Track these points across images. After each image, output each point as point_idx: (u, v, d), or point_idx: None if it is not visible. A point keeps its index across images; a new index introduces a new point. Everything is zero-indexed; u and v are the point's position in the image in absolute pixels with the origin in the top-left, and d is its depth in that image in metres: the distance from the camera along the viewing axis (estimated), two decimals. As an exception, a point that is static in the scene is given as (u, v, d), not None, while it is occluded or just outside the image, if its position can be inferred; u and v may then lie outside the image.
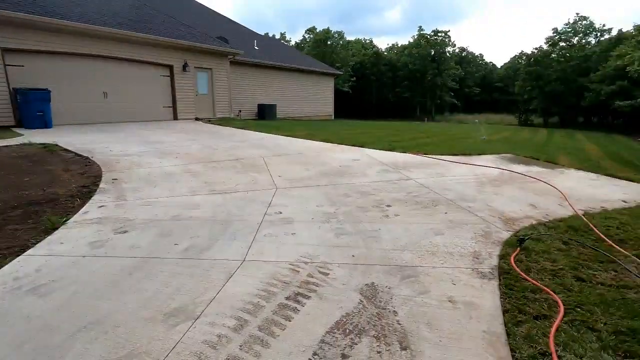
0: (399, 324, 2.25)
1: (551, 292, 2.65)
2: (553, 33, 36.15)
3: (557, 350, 2.04)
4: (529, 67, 35.52)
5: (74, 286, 2.60)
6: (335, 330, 2.16)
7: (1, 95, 10.45)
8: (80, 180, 5.29)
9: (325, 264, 3.00)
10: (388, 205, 4.54)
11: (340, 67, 35.89)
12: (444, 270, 2.95)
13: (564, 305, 2.50)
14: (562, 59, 33.52)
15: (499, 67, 60.87)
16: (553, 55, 34.93)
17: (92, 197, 4.61)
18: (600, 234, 3.85)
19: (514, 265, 3.06)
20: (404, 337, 2.13)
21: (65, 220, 3.81)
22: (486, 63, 61.74)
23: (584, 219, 4.28)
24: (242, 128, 12.26)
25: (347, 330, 2.17)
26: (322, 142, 9.58)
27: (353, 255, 3.16)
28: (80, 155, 6.91)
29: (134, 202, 4.48)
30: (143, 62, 12.86)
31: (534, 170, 7.29)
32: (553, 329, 2.20)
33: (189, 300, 2.45)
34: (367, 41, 50.96)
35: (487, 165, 7.41)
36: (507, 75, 52.84)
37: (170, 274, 2.79)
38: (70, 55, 11.68)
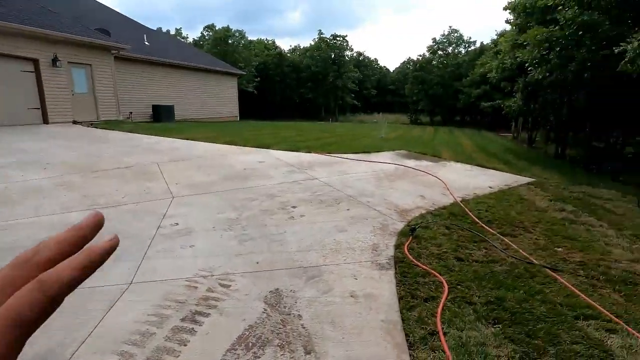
0: (304, 327, 2.22)
1: (437, 275, 2.95)
2: (432, 42, 41.37)
3: (443, 328, 2.26)
4: (415, 72, 39.92)
5: None
6: (237, 347, 2.03)
7: None
8: None
9: (227, 275, 2.82)
10: (293, 207, 4.53)
11: (243, 67, 35.02)
12: (347, 267, 3.05)
13: (448, 285, 2.80)
14: (441, 66, 38.54)
15: (392, 71, 67.05)
16: (434, 62, 39.90)
17: None
18: (474, 217, 4.46)
19: (407, 253, 3.32)
20: (309, 341, 2.11)
21: None
22: (381, 67, 67.32)
23: (462, 205, 4.92)
24: (133, 132, 10.98)
25: (250, 344, 2.05)
26: (225, 145, 9.16)
27: (257, 262, 3.04)
28: None
29: (-19, 227, 3.59)
30: (-5, 53, 10.52)
31: (423, 164, 8.15)
32: (439, 309, 2.44)
33: (58, 340, 2.03)
34: (270, 42, 50.88)
35: (384, 161, 8.02)
36: (398, 79, 58.49)
37: (31, 312, 2.29)
38: None
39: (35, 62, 11.62)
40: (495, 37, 29.06)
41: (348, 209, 4.55)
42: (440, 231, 3.97)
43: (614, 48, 6.09)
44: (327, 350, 2.04)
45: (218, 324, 2.22)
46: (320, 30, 52.45)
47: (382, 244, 3.56)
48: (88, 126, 12.10)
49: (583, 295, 2.74)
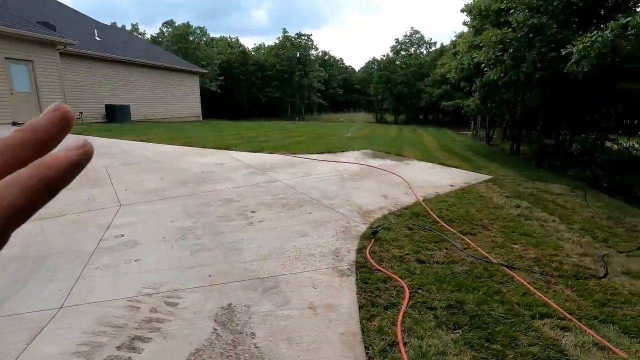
0: (257, 347, 2.06)
1: (399, 279, 2.88)
2: (395, 43, 42.31)
3: (403, 338, 2.18)
4: (380, 71, 40.59)
5: None
6: (180, 375, 1.83)
7: None
8: None
9: (174, 291, 2.58)
10: (253, 212, 4.33)
11: (205, 66, 33.95)
12: (306, 275, 2.91)
13: (409, 289, 2.74)
14: (404, 66, 39.47)
15: (357, 70, 67.86)
16: (397, 62, 40.79)
17: None
18: (436, 217, 4.48)
19: (369, 257, 3.24)
20: (261, 362, 1.95)
21: None
22: (346, 66, 67.87)
23: (424, 204, 4.94)
24: (82, 134, 10.21)
25: (195, 371, 1.86)
26: (183, 147, 8.73)
27: (210, 275, 2.82)
28: None
29: None
30: None
31: (387, 163, 8.20)
32: (400, 317, 2.36)
33: (-38, 384, 1.73)
34: (234, 40, 49.74)
35: (349, 161, 7.97)
36: (364, 78, 59.25)
37: None
38: None
39: (-35, 57, 10.51)
40: (454, 39, 30.14)
41: (310, 212, 4.42)
42: (403, 232, 3.93)
43: (561, 50, 6.42)
44: (281, 371, 1.89)
45: (160, 349, 2.00)
46: (284, 29, 52.06)
47: (344, 248, 3.45)
48: (31, 128, 11.11)
49: (538, 293, 2.78)
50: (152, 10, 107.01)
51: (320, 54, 54.73)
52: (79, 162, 0.21)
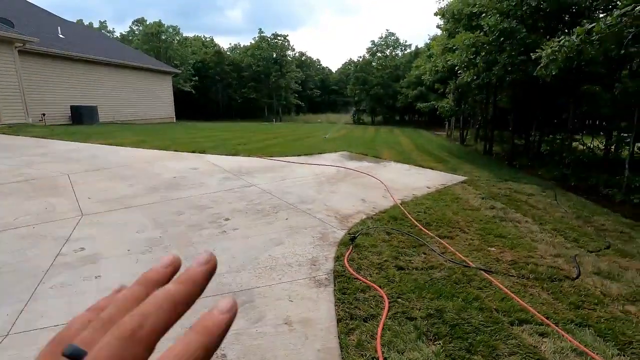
0: (228, 371, 1.91)
1: (378, 288, 2.80)
2: (371, 44, 42.78)
3: (383, 352, 2.09)
4: (356, 72, 40.93)
5: None
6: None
7: None
8: None
9: (139, 311, 2.39)
10: (227, 219, 4.15)
11: (179, 65, 33.08)
12: (282, 287, 2.78)
13: (388, 298, 2.66)
14: (380, 67, 39.97)
15: (334, 71, 68.15)
16: (373, 63, 41.25)
17: None
18: (414, 220, 4.45)
19: (347, 265, 3.14)
20: (232, 388, 1.80)
21: None
22: (323, 67, 68.09)
23: (402, 207, 4.91)
24: (44, 137, 9.62)
25: (159, 403, 1.69)
26: (155, 150, 8.38)
27: (178, 291, 2.64)
28: None
29: None
30: None
31: (365, 165, 8.17)
32: (379, 330, 2.27)
33: None
34: (208, 39, 48.74)
35: (326, 164, 7.88)
36: (341, 79, 59.62)
37: None
38: None
39: None
40: (428, 41, 30.77)
41: (287, 219, 4.28)
42: (381, 237, 3.87)
43: (530, 54, 6.60)
44: (254, 397, 1.76)
45: (119, 379, 1.82)
46: (260, 29, 51.59)
47: (322, 256, 3.34)
48: (-14, 131, 10.38)
49: (516, 298, 2.77)
50: (122, 7, 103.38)
51: (297, 54, 54.63)
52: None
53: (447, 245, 3.78)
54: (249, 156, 8.35)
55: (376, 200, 5.31)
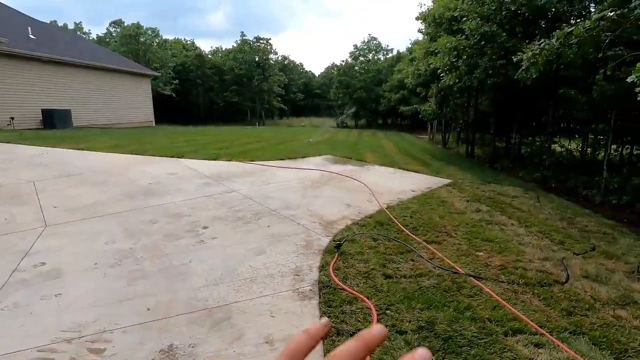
0: (201, 401, 1.71)
1: (365, 299, 2.64)
2: (354, 48, 43.05)
3: (373, 372, 1.93)
4: (340, 76, 41.06)
5: None
6: None
7: None
8: None
9: (102, 333, 2.15)
10: (205, 227, 3.92)
11: (158, 68, 32.34)
12: (263, 301, 2.59)
13: (377, 310, 2.51)
14: (363, 71, 40.23)
15: (317, 75, 68.27)
16: (356, 67, 41.49)
17: None
18: (400, 225, 4.33)
19: (332, 275, 2.98)
20: (206, 422, 1.60)
21: None
22: (306, 71, 68.13)
23: (387, 212, 4.79)
24: (10, 142, 9.08)
25: None
26: (131, 155, 8.01)
27: (148, 309, 2.41)
28: None
29: None
30: None
31: (349, 168, 8.05)
32: (368, 346, 2.11)
33: None
34: (189, 42, 47.95)
35: (310, 168, 7.72)
36: (324, 83, 59.74)
37: None
38: None
39: None
40: (409, 46, 31.17)
41: (269, 226, 4.09)
42: (367, 244, 3.73)
43: (512, 57, 6.66)
44: None
45: (75, 417, 1.59)
46: (242, 32, 51.21)
47: (306, 266, 3.17)
48: (-53, 136, 9.73)
49: (508, 306, 2.67)
50: (99, 9, 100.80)
51: (279, 58, 54.46)
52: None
53: (435, 250, 3.67)
54: (230, 160, 8.09)
55: (361, 204, 5.18)
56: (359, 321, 2.39)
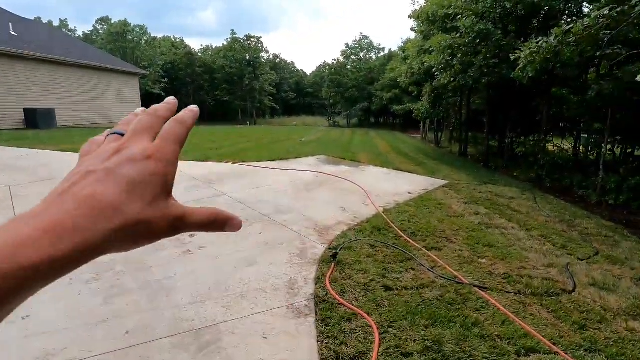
0: None
1: (366, 316, 2.45)
2: (346, 47, 42.85)
3: (377, 405, 1.73)
4: (331, 75, 40.82)
5: None
6: None
7: None
8: None
9: (73, 363, 1.91)
10: (192, 235, 3.68)
11: (147, 67, 31.72)
12: (255, 319, 2.37)
13: (378, 329, 2.31)
14: (355, 70, 40.06)
15: (309, 74, 67.91)
16: (348, 66, 41.30)
17: None
18: (398, 230, 4.15)
19: (329, 288, 2.77)
20: None
21: None
22: (298, 70, 67.72)
23: (384, 216, 4.60)
24: (-11, 143, 8.67)
25: None
26: (116, 157, 7.68)
27: (127, 332, 2.18)
28: None
29: None
30: None
31: (343, 169, 7.86)
32: (371, 373, 1.92)
33: None
34: (178, 40, 47.20)
35: (303, 169, 7.51)
36: (316, 82, 59.42)
37: None
38: None
39: None
40: (401, 45, 31.10)
41: (261, 233, 3.87)
42: (365, 252, 3.53)
43: (510, 55, 6.54)
44: None
45: None
46: (233, 30, 50.66)
47: (300, 277, 2.96)
48: None
49: (518, 320, 2.50)
50: (85, 7, 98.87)
51: (271, 57, 54.01)
52: (194, 121, 0.35)
53: (436, 258, 3.49)
54: (220, 162, 7.83)
55: (357, 208, 4.99)
56: (359, 342, 2.19)
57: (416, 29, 14.51)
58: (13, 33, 15.13)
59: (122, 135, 0.32)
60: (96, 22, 39.43)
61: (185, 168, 6.89)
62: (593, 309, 2.80)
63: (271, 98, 46.39)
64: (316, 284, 2.86)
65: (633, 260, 4.00)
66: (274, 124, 41.26)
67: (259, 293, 2.70)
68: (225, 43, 42.39)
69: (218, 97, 40.76)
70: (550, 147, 11.04)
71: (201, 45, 60.07)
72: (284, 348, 2.11)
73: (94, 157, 0.29)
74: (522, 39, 8.08)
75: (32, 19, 27.30)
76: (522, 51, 6.06)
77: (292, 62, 68.58)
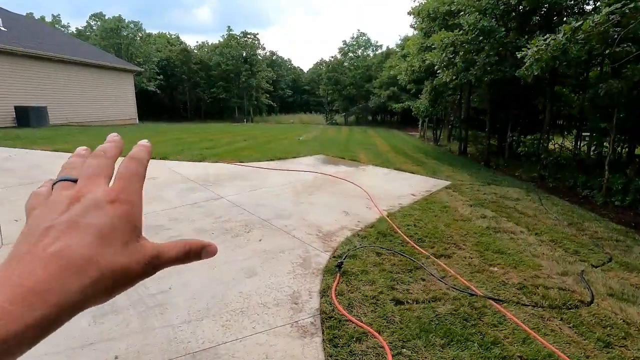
0: None
1: (377, 335, 2.26)
2: (343, 44, 42.51)
3: None
4: (328, 72, 40.51)
5: None
6: None
7: None
8: None
9: (54, 397, 1.71)
10: (188, 243, 3.47)
11: (142, 63, 31.27)
12: (257, 340, 2.18)
13: (391, 350, 2.13)
14: (352, 67, 39.77)
15: (306, 71, 67.47)
16: (345, 63, 40.99)
17: None
18: (404, 236, 3.97)
19: (336, 303, 2.59)
20: None
21: None
22: (295, 67, 67.25)
23: (389, 220, 4.42)
24: (-23, 142, 8.38)
25: None
26: (109, 157, 7.44)
27: (116, 357, 1.98)
28: None
29: None
30: None
31: (343, 170, 7.67)
32: (387, 406, 1.73)
33: None
34: (173, 36, 46.64)
35: (302, 169, 7.31)
36: (313, 80, 59.04)
37: None
38: None
39: None
40: (399, 42, 30.86)
41: (260, 240, 3.67)
42: (371, 260, 3.35)
43: (516, 53, 6.37)
44: None
45: None
46: (229, 27, 50.17)
47: (304, 290, 2.77)
48: None
49: (539, 338, 2.33)
50: (79, 3, 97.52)
51: (267, 54, 53.59)
52: (149, 158, 0.33)
53: (445, 267, 3.32)
54: (217, 162, 7.62)
55: (360, 211, 4.80)
56: (371, 366, 2.01)
57: (416, 26, 14.30)
58: (3, 28, 14.75)
59: (73, 181, 0.30)
60: (90, 18, 38.72)
61: (181, 169, 6.67)
62: (615, 323, 2.64)
63: (268, 95, 46.04)
64: (321, 298, 2.68)
65: (648, 266, 3.85)
66: (271, 121, 40.95)
67: (261, 308, 2.50)
68: (222, 40, 41.93)
69: (214, 94, 40.36)
70: (551, 146, 10.91)
71: (197, 41, 59.50)
72: (290, 374, 1.93)
73: (48, 211, 0.27)
74: (526, 37, 7.89)
75: (24, 14, 26.78)
76: (528, 49, 5.88)
77: (288, 59, 68.14)
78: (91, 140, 9.86)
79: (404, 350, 2.17)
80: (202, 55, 42.29)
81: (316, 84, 51.09)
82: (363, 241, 3.78)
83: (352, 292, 2.78)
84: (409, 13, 14.12)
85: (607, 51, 5.75)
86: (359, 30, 44.72)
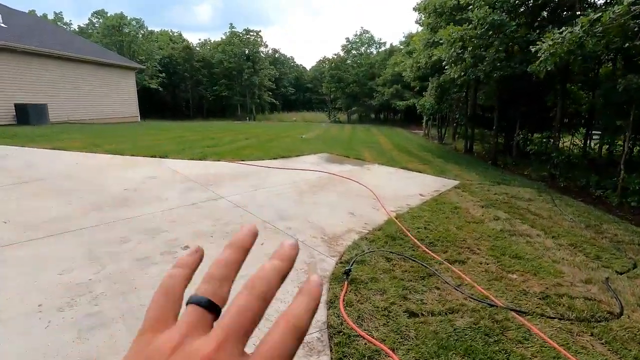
0: None
1: (391, 354, 2.04)
2: (346, 42, 42.18)
3: None
4: (331, 70, 40.21)
5: None
6: None
7: None
8: None
9: None
10: (185, 247, 3.27)
11: (144, 61, 31.12)
12: (258, 359, 1.96)
13: (407, 371, 1.92)
14: (355, 65, 39.44)
15: (309, 69, 67.13)
16: (348, 61, 40.67)
17: None
18: (415, 240, 3.75)
19: (344, 316, 2.37)
20: None
21: None
22: (297, 65, 66.92)
23: (398, 223, 4.20)
24: (-26, 140, 8.23)
25: None
26: (108, 155, 7.26)
27: (101, 380, 1.77)
28: None
29: None
30: None
31: (347, 169, 7.45)
32: None
33: None
34: (176, 34, 46.45)
35: (306, 168, 7.10)
36: (315, 77, 58.69)
37: None
38: None
39: None
40: (403, 39, 30.51)
41: (262, 243, 3.45)
42: (381, 266, 3.13)
43: (530, 47, 6.11)
44: None
45: None
46: (231, 24, 49.92)
47: (310, 301, 2.55)
48: None
49: (571, 357, 2.11)
50: (81, 0, 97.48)
51: (270, 51, 53.31)
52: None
53: (460, 273, 3.09)
54: (218, 160, 7.42)
55: (367, 213, 4.58)
56: (386, 391, 1.79)
57: (421, 21, 14.02)
58: (3, 25, 14.59)
59: (207, 308, 0.27)
60: (92, 15, 38.57)
61: (181, 168, 6.47)
62: (651, 339, 2.41)
63: (270, 93, 45.80)
64: (328, 309, 2.46)
65: (676, 273, 3.61)
66: (273, 119, 40.74)
67: (263, 322, 2.28)
68: (224, 37, 41.69)
69: (217, 92, 40.15)
70: (561, 145, 10.63)
71: (199, 39, 59.34)
72: (295, 401, 1.71)
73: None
74: (538, 32, 7.62)
75: (27, 11, 26.66)
76: (543, 42, 5.62)
77: (291, 56, 67.84)
78: (89, 139, 9.69)
79: (422, 371, 1.95)
80: (204, 53, 42.08)
81: (319, 82, 50.78)
82: (371, 245, 3.56)
83: (361, 303, 2.56)
84: (415, 9, 13.84)
85: (626, 44, 5.49)
86: (362, 27, 44.35)
